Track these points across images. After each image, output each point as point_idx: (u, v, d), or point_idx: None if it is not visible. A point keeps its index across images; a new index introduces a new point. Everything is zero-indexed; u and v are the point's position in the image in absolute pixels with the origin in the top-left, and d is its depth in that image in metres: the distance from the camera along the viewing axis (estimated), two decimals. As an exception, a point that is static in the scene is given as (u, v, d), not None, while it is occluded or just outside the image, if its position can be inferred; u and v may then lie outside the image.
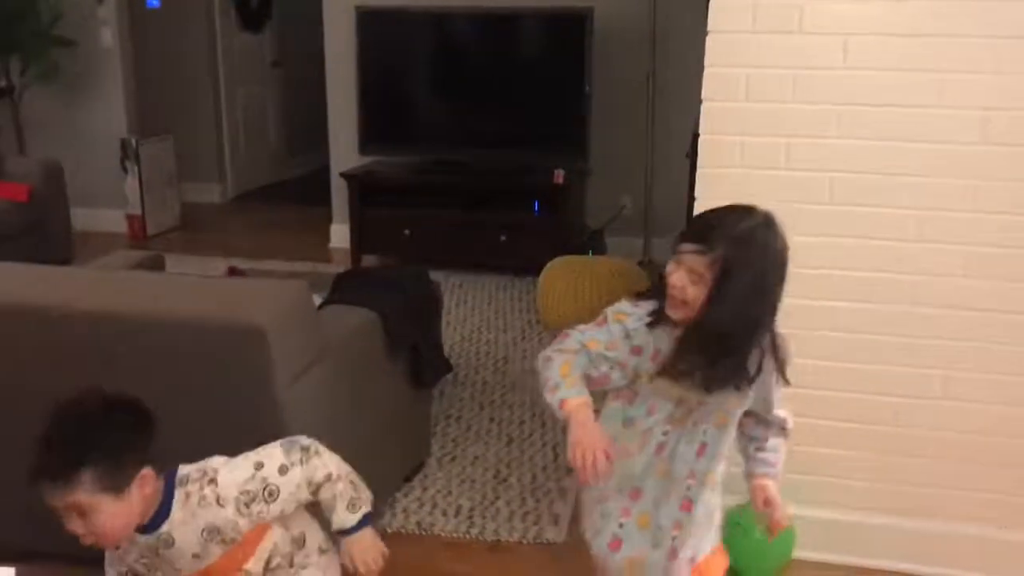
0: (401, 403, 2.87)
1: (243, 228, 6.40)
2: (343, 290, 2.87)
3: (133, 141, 5.89)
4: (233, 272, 3.97)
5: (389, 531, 2.75)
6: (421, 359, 2.88)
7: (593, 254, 4.82)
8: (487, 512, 2.85)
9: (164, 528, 1.67)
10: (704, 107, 2.41)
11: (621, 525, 1.84)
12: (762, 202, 2.39)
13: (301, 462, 1.75)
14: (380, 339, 2.65)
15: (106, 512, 1.58)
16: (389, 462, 2.85)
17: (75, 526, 1.58)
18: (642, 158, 5.16)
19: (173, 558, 1.70)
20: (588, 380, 1.73)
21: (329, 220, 5.84)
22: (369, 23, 5.25)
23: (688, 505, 1.82)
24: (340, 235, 5.66)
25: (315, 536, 1.87)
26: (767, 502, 1.87)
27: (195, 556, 1.69)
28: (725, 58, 2.36)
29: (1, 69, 5.62)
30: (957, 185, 2.31)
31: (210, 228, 6.34)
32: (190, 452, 2.26)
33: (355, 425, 2.52)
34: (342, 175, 5.38)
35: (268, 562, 1.77)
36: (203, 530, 1.68)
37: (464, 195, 5.15)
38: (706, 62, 2.37)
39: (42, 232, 5.05)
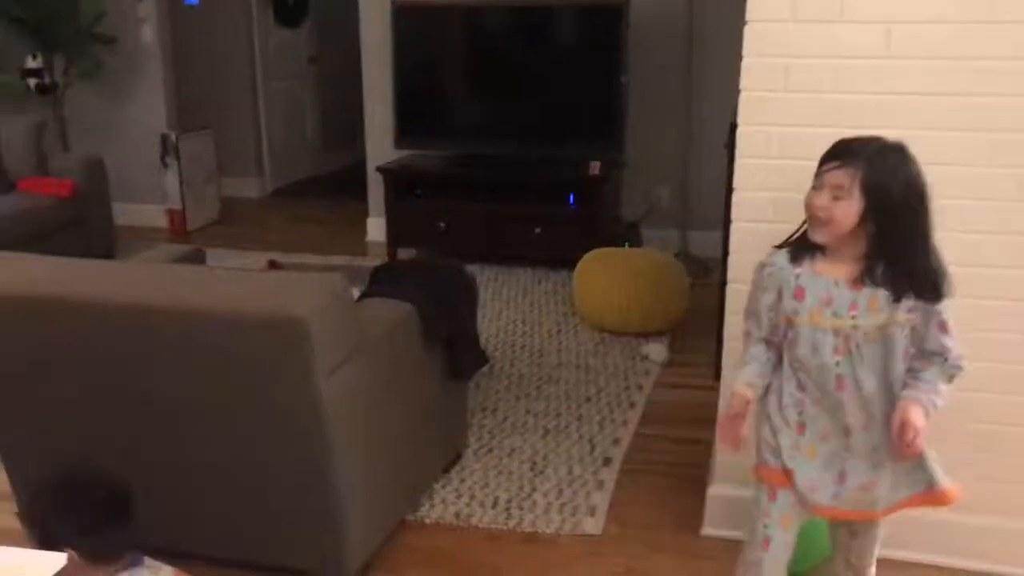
0: (438, 395, 2.89)
1: (281, 222, 6.45)
2: (380, 283, 2.88)
3: (173, 136, 5.97)
4: (273, 266, 4.01)
5: (427, 522, 2.77)
6: (458, 351, 2.89)
7: (629, 247, 4.81)
8: (524, 504, 2.86)
9: None
10: (742, 97, 2.39)
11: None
12: (802, 193, 2.39)
13: None
14: (417, 331, 2.67)
15: None
16: (427, 453, 2.87)
17: None
18: (679, 149, 5.13)
19: None
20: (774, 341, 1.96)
21: (365, 214, 5.87)
22: (405, 17, 5.26)
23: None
24: (376, 229, 5.69)
25: None
26: (903, 423, 1.84)
27: None
28: (763, 47, 2.33)
29: (45, 67, 5.71)
30: (1005, 174, 2.27)
31: (248, 222, 6.41)
32: (229, 442, 2.30)
33: (392, 417, 2.54)
34: (378, 169, 5.40)
35: None
36: None
37: (499, 188, 5.15)
38: (744, 52, 2.35)
39: (84, 227, 5.14)
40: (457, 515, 2.80)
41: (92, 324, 2.23)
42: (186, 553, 2.50)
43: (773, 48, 2.33)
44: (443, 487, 2.94)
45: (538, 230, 5.03)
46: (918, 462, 1.92)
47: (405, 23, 5.27)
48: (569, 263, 4.54)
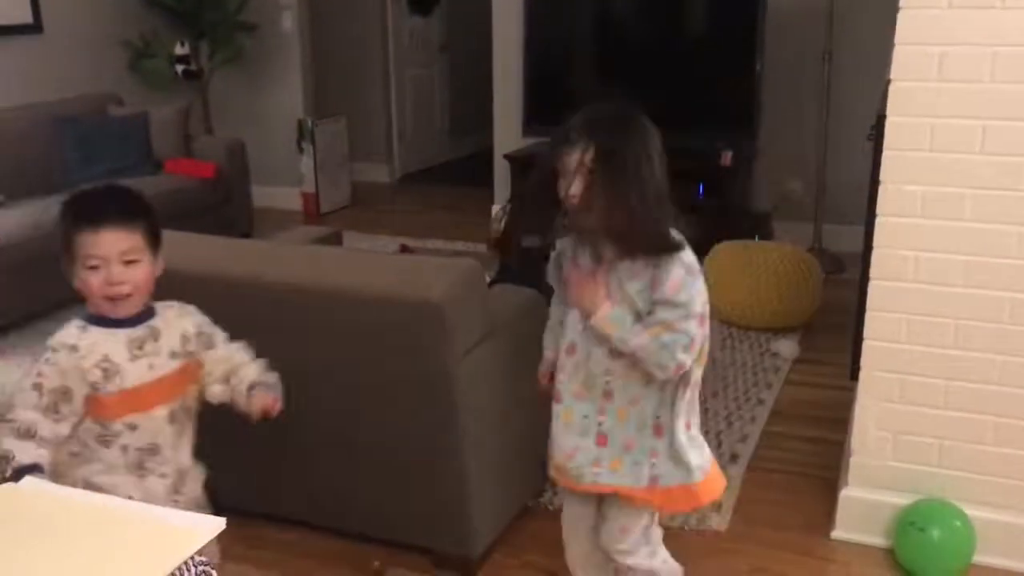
0: (564, 383, 2.88)
1: (408, 207, 6.57)
2: (509, 269, 2.91)
3: (309, 122, 6.15)
4: (405, 250, 4.09)
5: (550, 508, 2.78)
6: (585, 340, 2.88)
7: (759, 239, 4.70)
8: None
9: (155, 323, 1.81)
10: (893, 87, 2.30)
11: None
12: (955, 188, 2.30)
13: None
14: (544, 318, 2.67)
15: (144, 267, 1.74)
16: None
17: (116, 274, 1.70)
18: (814, 140, 4.98)
19: (152, 353, 1.79)
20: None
21: (490, 201, 5.92)
22: (537, 5, 5.27)
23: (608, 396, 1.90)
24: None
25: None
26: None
27: (172, 355, 1.82)
28: (917, 35, 2.24)
29: (192, 53, 5.96)
30: None
31: (378, 207, 6.55)
32: (364, 420, 2.36)
33: (520, 401, 2.56)
34: (505, 157, 5.44)
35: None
36: (180, 335, 1.84)
37: (627, 177, 5.09)
38: (896, 39, 2.26)
39: (225, 207, 5.36)
40: (580, 503, 2.80)
41: (240, 301, 2.32)
42: (319, 525, 2.60)
43: (927, 36, 2.23)
44: (566, 475, 2.94)
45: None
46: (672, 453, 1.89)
47: (537, 10, 5.28)
48: (698, 254, 4.44)
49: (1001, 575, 2.43)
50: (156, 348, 1.80)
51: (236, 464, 2.59)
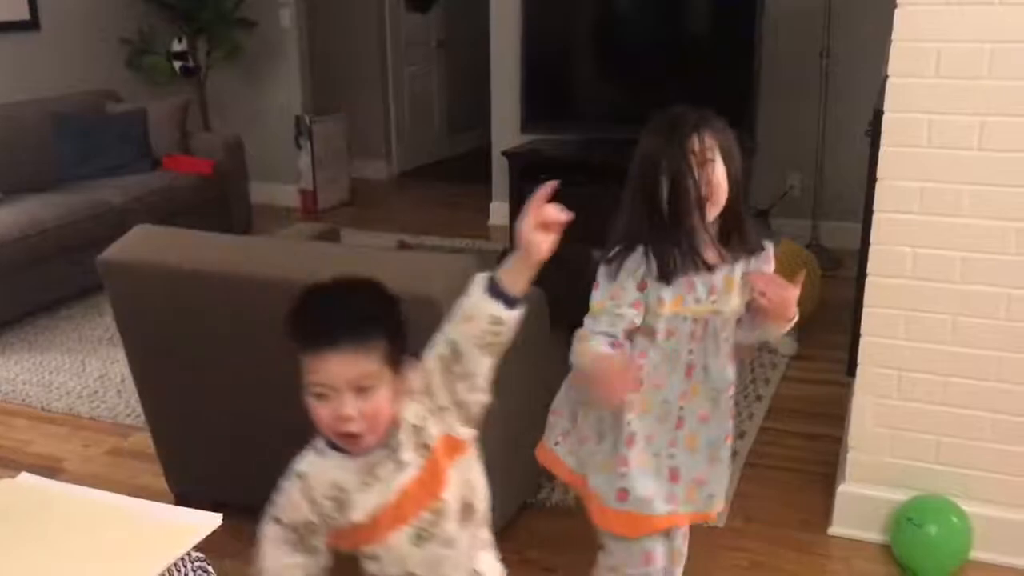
0: (561, 379, 2.88)
1: (407, 204, 6.57)
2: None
3: (307, 119, 6.15)
4: (403, 246, 4.09)
5: (548, 505, 2.79)
6: (583, 336, 2.89)
7: (757, 236, 4.69)
8: (646, 492, 2.84)
9: (394, 440, 1.45)
10: (890, 83, 2.30)
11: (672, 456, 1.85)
12: (952, 184, 2.30)
13: None
14: (544, 316, 2.68)
15: (384, 391, 1.39)
16: (549, 437, 2.88)
17: (347, 407, 1.38)
18: (812, 136, 4.98)
19: (387, 477, 1.46)
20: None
21: (488, 198, 5.92)
22: (535, 2, 5.26)
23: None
24: (499, 213, 5.73)
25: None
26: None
27: (405, 464, 1.46)
28: (914, 31, 2.24)
29: (190, 50, 5.96)
30: None
31: (376, 204, 6.55)
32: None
33: (517, 399, 2.56)
34: (503, 153, 5.43)
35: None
36: (412, 434, 1.46)
37: (625, 174, 5.09)
38: (894, 35, 2.26)
39: (224, 204, 5.36)
40: (578, 499, 2.80)
41: (238, 297, 2.32)
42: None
43: (925, 32, 2.23)
44: (564, 471, 2.95)
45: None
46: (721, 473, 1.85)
47: (535, 7, 5.27)
48: (695, 251, 4.46)
49: (998, 571, 2.44)
50: (392, 471, 1.46)
51: (233, 460, 2.60)
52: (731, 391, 1.86)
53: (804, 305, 4.20)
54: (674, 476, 1.84)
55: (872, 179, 2.40)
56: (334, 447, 1.46)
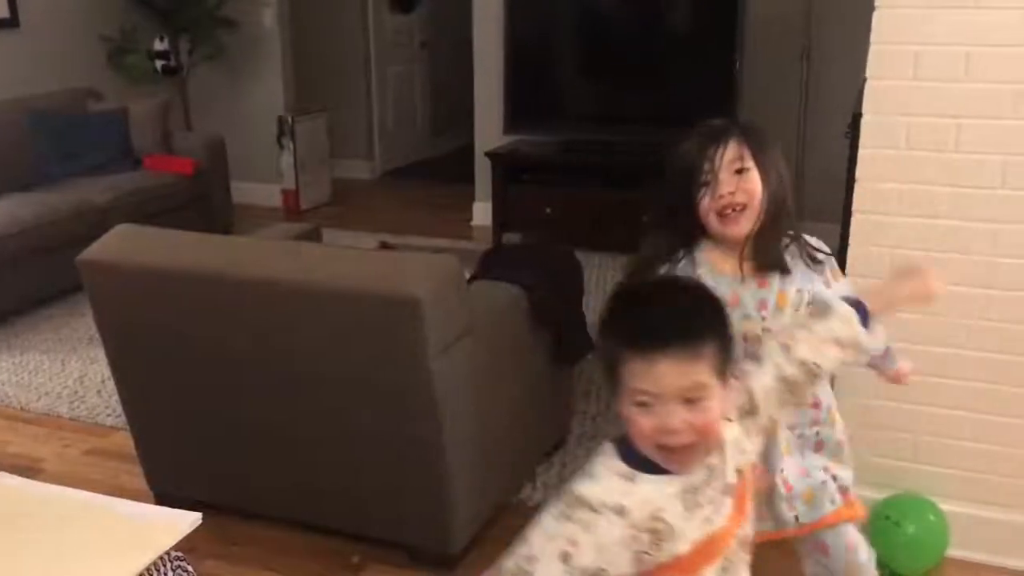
0: (543, 379, 2.90)
1: (389, 204, 6.56)
2: (491, 266, 2.91)
3: (289, 118, 6.13)
4: (385, 247, 4.09)
5: (530, 504, 2.79)
6: (565, 337, 2.90)
7: (738, 237, 4.72)
8: (627, 491, 2.85)
9: (714, 459, 1.30)
10: (868, 85, 2.32)
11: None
12: (930, 186, 2.32)
13: None
14: (525, 315, 2.68)
15: (711, 406, 1.24)
16: (530, 436, 2.89)
17: (675, 419, 1.22)
18: (793, 138, 5.01)
19: (707, 502, 1.29)
20: None
21: (472, 198, 5.92)
22: (518, 3, 5.27)
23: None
24: (482, 213, 5.74)
25: None
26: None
27: (725, 490, 1.31)
28: (893, 35, 2.26)
29: (171, 49, 5.93)
30: None
31: (358, 204, 6.53)
32: (344, 416, 2.36)
33: (499, 398, 2.57)
34: (486, 154, 5.44)
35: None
36: (733, 459, 1.33)
37: (608, 175, 5.12)
38: (872, 38, 2.28)
39: (205, 203, 5.33)
40: (559, 499, 2.81)
41: (219, 297, 2.32)
42: (298, 521, 2.60)
43: (903, 35, 2.25)
44: (545, 471, 2.96)
45: (645, 218, 4.98)
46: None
47: (518, 8, 5.28)
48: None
49: (975, 569, 2.46)
50: (711, 495, 1.30)
51: (214, 459, 2.60)
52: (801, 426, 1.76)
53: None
54: None
55: (851, 181, 2.42)
56: (646, 468, 1.28)
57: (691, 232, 1.70)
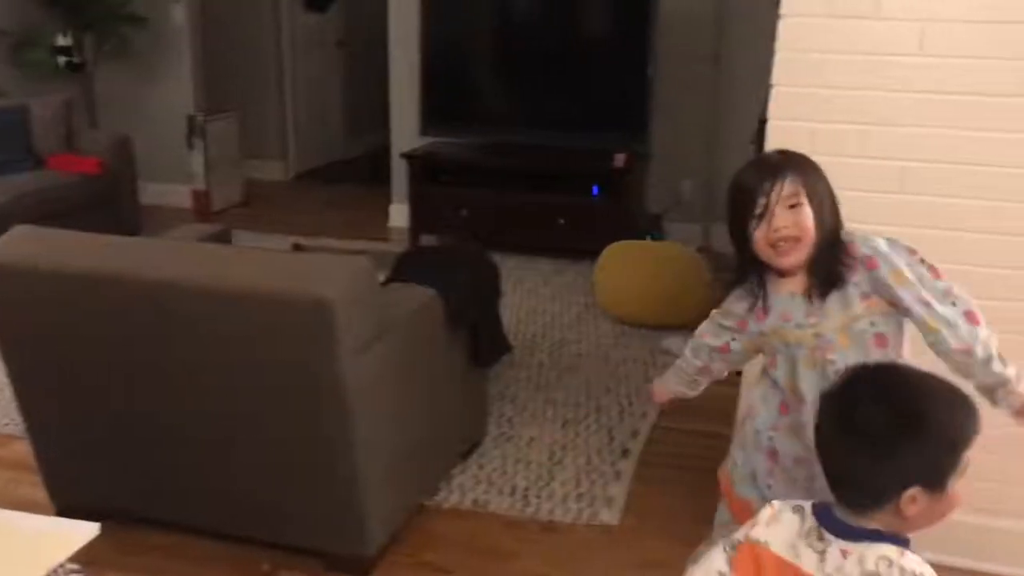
0: (459, 382, 2.90)
1: (303, 206, 6.47)
2: (406, 268, 2.90)
3: (200, 118, 6.00)
4: (298, 248, 4.03)
5: (445, 507, 2.79)
6: (480, 338, 2.90)
7: (652, 239, 4.80)
8: (542, 492, 2.87)
9: None
10: (774, 92, 2.38)
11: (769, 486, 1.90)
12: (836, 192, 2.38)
13: None
14: (441, 317, 2.68)
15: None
16: (446, 439, 2.88)
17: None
18: (704, 143, 5.11)
19: None
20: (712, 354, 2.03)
21: (388, 200, 5.89)
22: (433, 3, 5.26)
23: None
24: (399, 215, 5.71)
25: None
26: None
27: None
28: (797, 42, 2.32)
29: (75, 45, 5.74)
30: (1035, 176, 2.25)
31: (271, 205, 6.43)
32: (253, 421, 2.32)
33: (414, 401, 2.56)
34: (403, 155, 5.42)
35: None
36: None
37: (524, 177, 5.15)
38: (777, 46, 2.34)
39: (112, 205, 5.18)
40: (475, 502, 2.82)
41: (123, 300, 2.25)
42: (206, 529, 2.54)
43: (807, 43, 2.32)
44: (462, 473, 2.95)
45: (561, 220, 5.02)
46: None
47: (433, 9, 5.27)
48: (591, 254, 4.53)
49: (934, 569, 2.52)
50: None
51: (118, 467, 2.52)
52: None
53: (696, 307, 4.30)
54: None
55: (758, 185, 2.47)
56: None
57: (754, 258, 1.80)
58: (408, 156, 5.35)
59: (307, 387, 2.22)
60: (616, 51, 5.11)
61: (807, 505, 1.37)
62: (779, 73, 2.35)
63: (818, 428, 1.35)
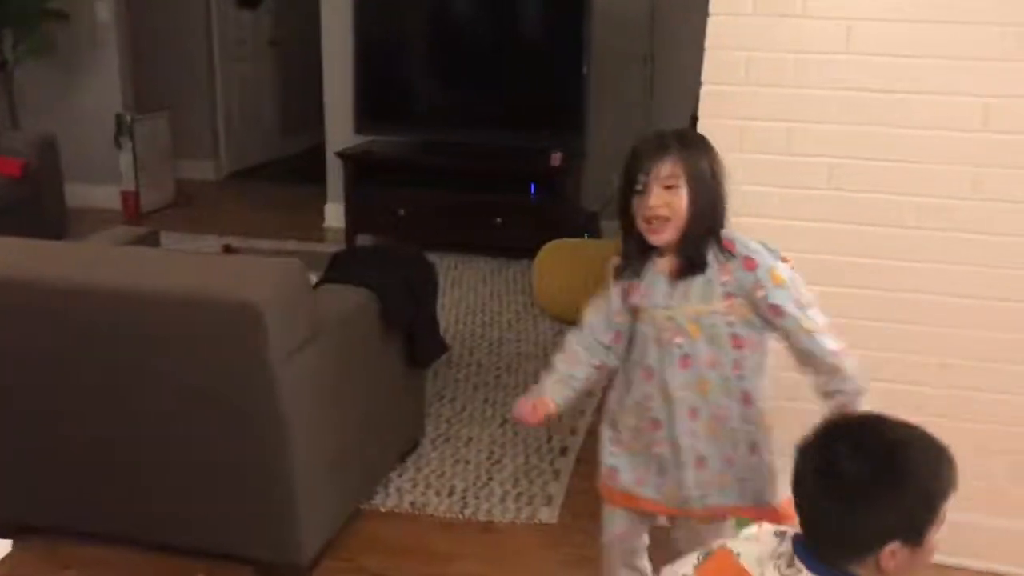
0: (396, 383, 2.87)
1: (237, 206, 6.37)
2: (339, 269, 2.85)
3: (128, 117, 5.85)
4: (228, 250, 3.96)
5: (383, 510, 2.76)
6: (417, 339, 2.87)
7: (589, 237, 4.81)
8: (480, 493, 2.85)
9: None
10: (704, 90, 2.40)
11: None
12: (765, 188, 2.42)
13: None
14: (376, 318, 2.65)
15: None
16: (383, 441, 2.85)
17: None
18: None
19: None
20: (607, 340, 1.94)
21: (323, 199, 5.82)
22: (367, 2, 5.21)
23: (693, 414, 1.84)
24: (334, 214, 5.65)
25: None
26: None
27: None
28: (726, 40, 2.34)
29: (-6, 42, 5.57)
30: (957, 172, 2.30)
31: (204, 206, 6.31)
32: (183, 427, 2.26)
33: (350, 404, 2.52)
34: (337, 154, 5.36)
35: None
36: None
37: (460, 176, 5.13)
38: (706, 44, 2.36)
39: (36, 207, 5.02)
40: (413, 504, 2.79)
41: (44, 306, 2.18)
42: (136, 539, 2.47)
43: (735, 41, 2.34)
44: (399, 476, 2.93)
45: (498, 219, 5.01)
46: (755, 472, 1.90)
47: (367, 6, 5.22)
48: (529, 253, 4.53)
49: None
50: None
51: (41, 478, 2.44)
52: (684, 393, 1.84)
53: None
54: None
55: (690, 182, 2.48)
56: None
57: (638, 233, 1.81)
58: (343, 155, 5.29)
59: (238, 392, 2.17)
60: (551, 50, 5.11)
61: (791, 531, 1.38)
62: (708, 71, 2.37)
63: (797, 479, 1.35)
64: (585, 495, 2.85)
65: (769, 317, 1.79)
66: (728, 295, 1.79)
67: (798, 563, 1.33)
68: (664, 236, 1.77)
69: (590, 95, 5.01)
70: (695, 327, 1.80)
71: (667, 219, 1.75)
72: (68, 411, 2.31)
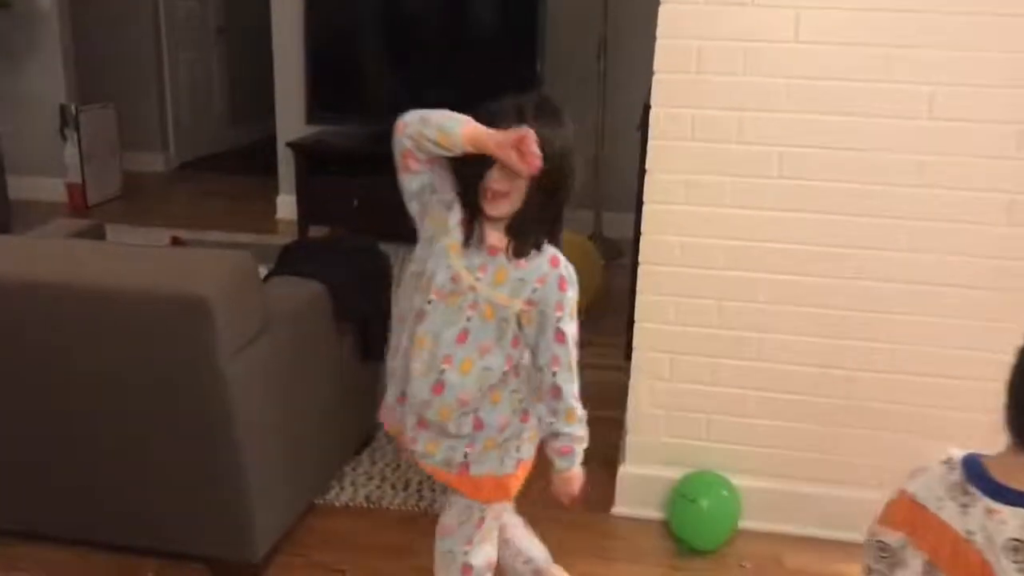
0: (349, 376, 2.84)
1: (186, 198, 6.28)
2: (290, 261, 2.82)
3: (73, 108, 5.73)
4: (176, 243, 3.90)
5: (337, 504, 2.73)
6: (370, 331, 2.85)
7: (543, 227, 4.80)
8: (436, 486, 2.84)
9: None
10: (656, 79, 2.40)
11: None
12: (715, 176, 2.43)
13: None
14: (328, 311, 2.62)
15: None
16: (337, 435, 2.83)
17: None
18: (592, 131, 5.14)
19: None
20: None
21: (275, 191, 5.75)
22: (317, -11, 5.15)
23: (439, 388, 1.82)
24: (286, 206, 5.58)
25: None
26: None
27: None
28: (677, 30, 2.34)
29: (-69, 31, 5.42)
30: (903, 160, 2.33)
31: (152, 198, 6.21)
32: (131, 425, 2.22)
33: (302, 398, 2.49)
34: (288, 145, 5.29)
35: None
36: None
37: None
38: (658, 33, 2.36)
39: (-24, 200, 4.91)
40: (368, 498, 2.77)
41: (-18, 303, 2.12)
42: (86, 539, 2.43)
43: (686, 30, 2.34)
44: (354, 469, 2.90)
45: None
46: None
47: (317, -5, 5.16)
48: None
49: (764, 537, 2.61)
50: None
51: (-15, 481, 2.39)
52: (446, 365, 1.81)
53: (587, 293, 4.33)
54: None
55: (642, 172, 2.49)
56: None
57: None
58: (294, 145, 5.23)
59: (187, 387, 2.13)
60: (506, 39, 5.09)
61: (957, 455, 1.35)
62: (660, 60, 2.37)
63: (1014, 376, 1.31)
64: (541, 482, 2.85)
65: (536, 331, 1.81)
66: (529, 301, 1.78)
67: (971, 489, 1.31)
68: (497, 211, 1.74)
69: (544, 85, 5.00)
70: (491, 310, 1.78)
71: (506, 195, 1.74)
72: (11, 410, 2.25)
